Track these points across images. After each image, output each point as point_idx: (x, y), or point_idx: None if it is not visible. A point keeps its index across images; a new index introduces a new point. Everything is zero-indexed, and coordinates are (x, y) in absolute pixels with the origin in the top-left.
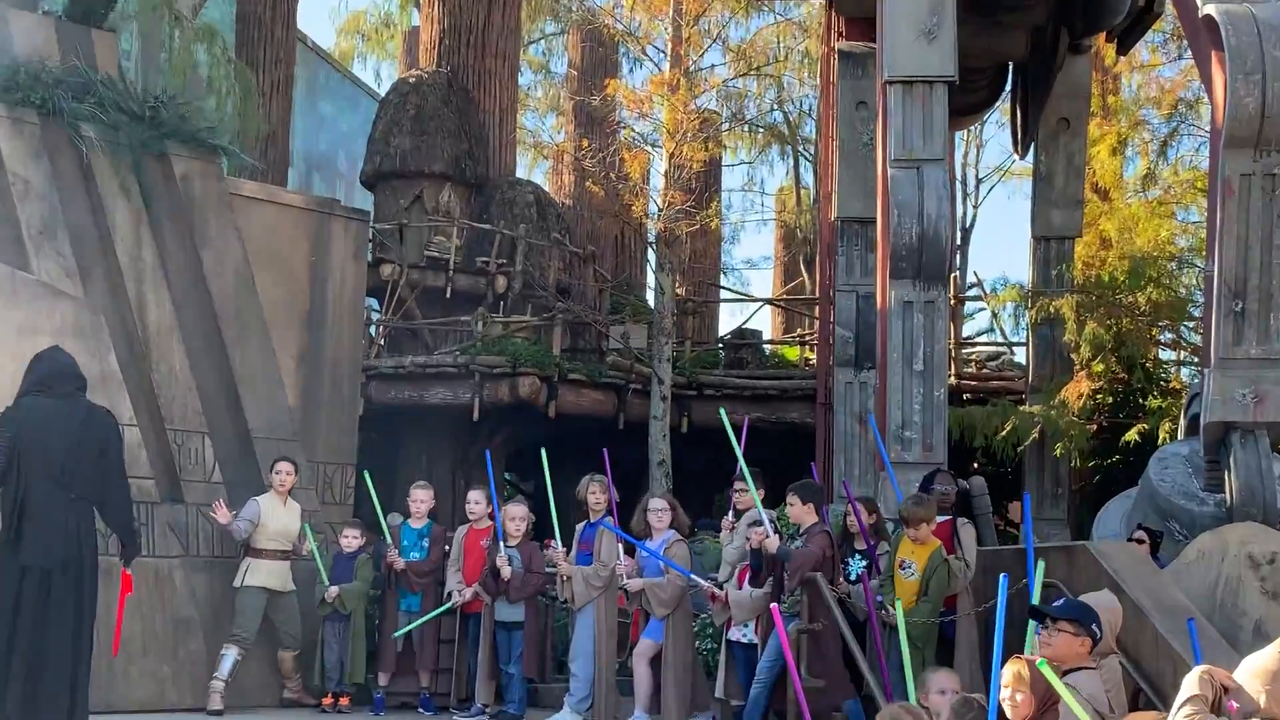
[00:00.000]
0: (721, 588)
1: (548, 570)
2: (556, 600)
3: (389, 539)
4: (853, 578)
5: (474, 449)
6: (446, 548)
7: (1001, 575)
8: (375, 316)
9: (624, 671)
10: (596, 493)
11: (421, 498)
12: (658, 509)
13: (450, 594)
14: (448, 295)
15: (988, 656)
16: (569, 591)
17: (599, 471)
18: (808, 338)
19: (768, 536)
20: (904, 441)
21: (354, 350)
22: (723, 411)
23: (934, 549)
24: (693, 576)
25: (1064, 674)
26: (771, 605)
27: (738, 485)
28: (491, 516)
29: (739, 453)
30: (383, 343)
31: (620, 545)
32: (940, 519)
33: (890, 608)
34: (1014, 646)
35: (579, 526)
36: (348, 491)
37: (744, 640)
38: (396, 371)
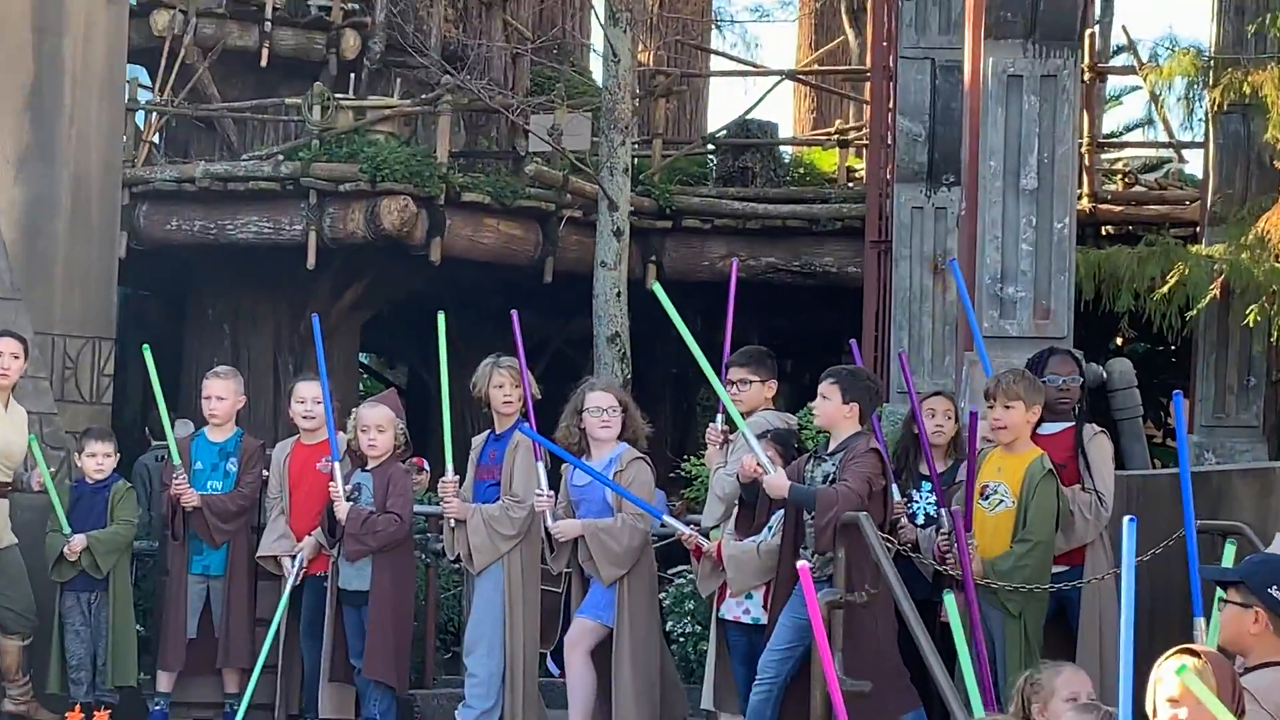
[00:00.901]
0: (708, 536)
1: (424, 509)
2: (440, 558)
3: (176, 458)
4: (920, 519)
5: (308, 313)
6: (265, 472)
7: (1129, 518)
8: (145, 98)
9: (551, 669)
10: (505, 385)
11: (221, 392)
12: (600, 407)
13: (294, 558)
14: (263, 64)
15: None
16: (460, 543)
17: (508, 351)
18: (851, 136)
19: (765, 473)
20: (1004, 303)
21: (109, 154)
22: (657, 286)
23: (1033, 459)
24: (664, 517)
25: (1243, 672)
26: (800, 565)
27: (734, 373)
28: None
29: (686, 335)
30: (158, 141)
31: (543, 467)
32: (1054, 426)
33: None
34: (1172, 631)
35: (477, 440)
36: (103, 383)
37: (745, 619)
38: (181, 189)
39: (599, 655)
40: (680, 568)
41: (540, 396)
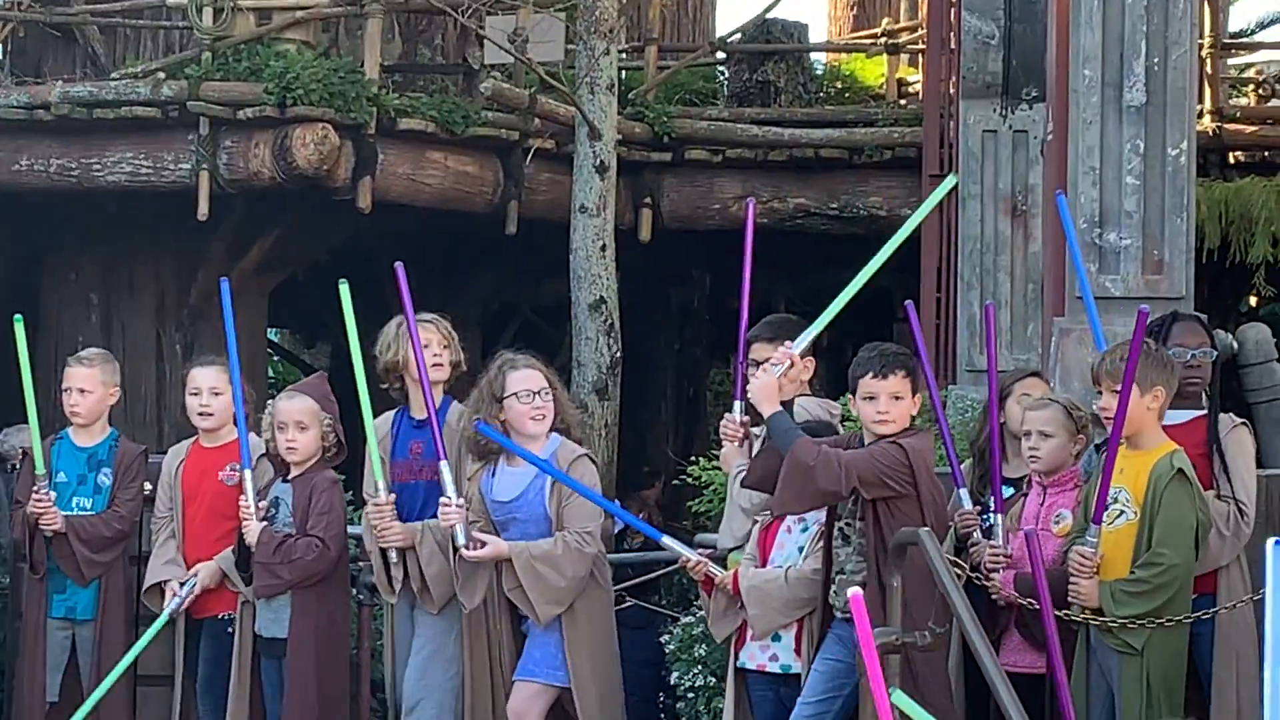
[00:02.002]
0: (725, 563)
1: (356, 529)
2: (373, 594)
3: (39, 465)
4: (998, 535)
5: (201, 277)
6: (148, 486)
7: (1276, 541)
8: None
9: None
10: (431, 343)
11: (86, 383)
12: (531, 390)
13: (178, 586)
14: None
15: None
16: (412, 574)
17: (457, 322)
18: (903, 39)
19: (779, 366)
20: (1103, 254)
21: None
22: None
23: (1161, 456)
24: (664, 539)
25: None
26: (852, 593)
27: (759, 350)
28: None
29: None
30: (1, 57)
31: (448, 465)
32: (1179, 415)
33: (1075, 579)
34: None
35: (379, 426)
36: None
37: (773, 668)
38: (33, 117)
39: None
40: (690, 612)
41: (465, 367)
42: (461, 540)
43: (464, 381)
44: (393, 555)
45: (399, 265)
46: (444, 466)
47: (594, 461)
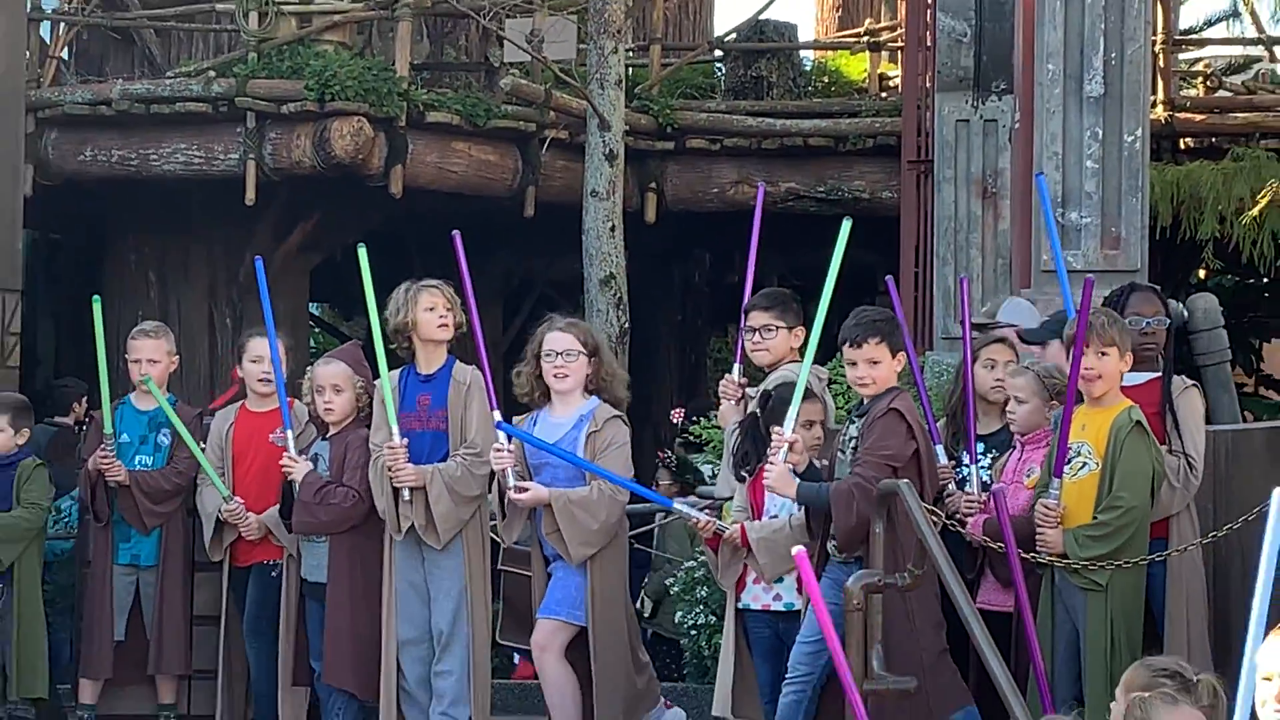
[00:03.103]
0: (724, 511)
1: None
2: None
3: (108, 425)
4: (972, 486)
5: (248, 257)
6: (202, 444)
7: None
8: (51, 6)
9: (506, 671)
10: (437, 306)
11: (152, 353)
12: (555, 350)
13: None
14: None
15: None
16: (417, 513)
17: (480, 296)
18: (884, 38)
19: (781, 450)
20: (1066, 231)
21: (9, 72)
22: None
23: (1120, 411)
24: (675, 504)
25: None
26: (795, 551)
27: (756, 318)
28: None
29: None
30: (67, 57)
31: (499, 414)
32: (1137, 376)
33: (1041, 529)
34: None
35: (389, 381)
36: (9, 342)
37: (777, 606)
38: (96, 113)
39: (576, 653)
40: (692, 559)
41: (465, 328)
42: (511, 483)
43: (462, 342)
44: (405, 493)
45: (456, 234)
46: (496, 415)
47: (626, 424)
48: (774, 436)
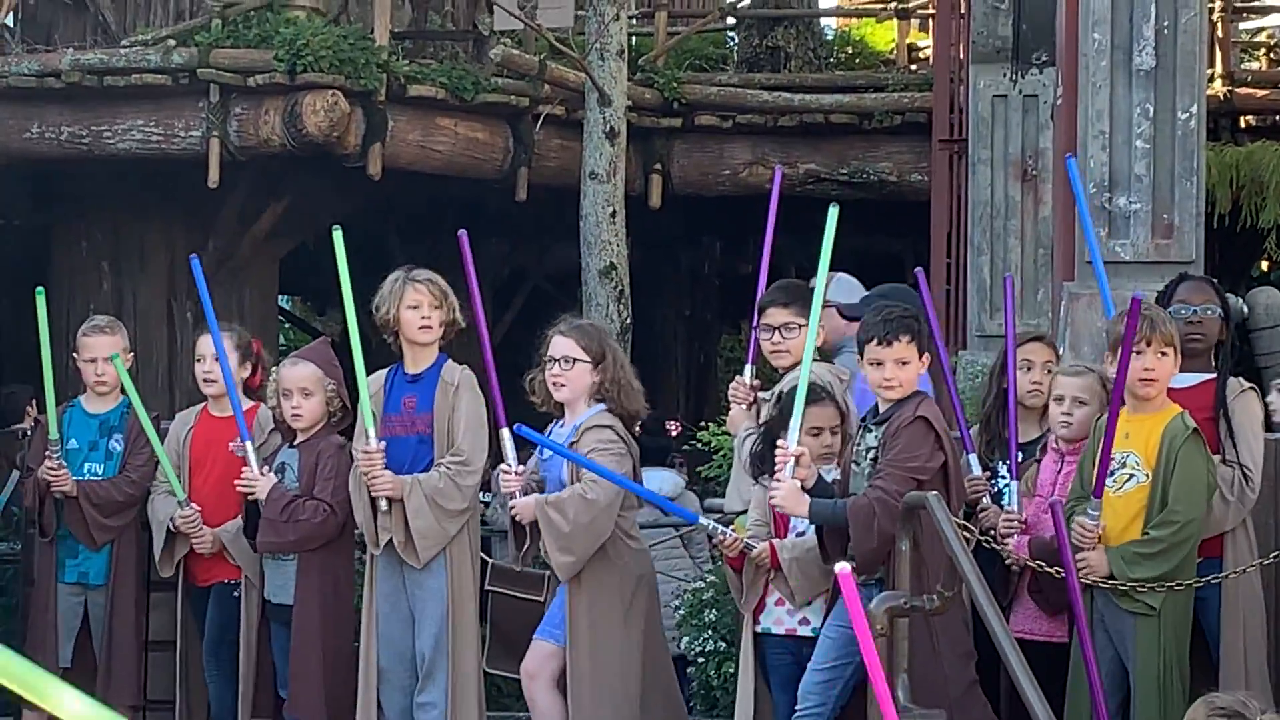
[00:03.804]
0: (730, 525)
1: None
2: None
3: (53, 430)
4: (1007, 500)
5: (211, 244)
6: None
7: None
8: None
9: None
10: (421, 304)
11: (105, 349)
12: (553, 357)
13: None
14: None
15: None
16: (396, 528)
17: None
18: (913, 4)
19: (787, 465)
20: (1113, 219)
21: None
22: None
23: (1171, 417)
24: (700, 519)
25: None
26: (839, 569)
27: (774, 315)
28: (254, 385)
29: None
30: (11, 24)
31: (508, 433)
32: (1187, 378)
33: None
34: None
35: (373, 382)
36: None
37: (803, 631)
38: (44, 85)
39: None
40: (703, 573)
41: (464, 325)
42: (513, 501)
43: (469, 338)
44: (382, 504)
45: (463, 234)
46: (506, 435)
47: (617, 432)
48: (778, 451)
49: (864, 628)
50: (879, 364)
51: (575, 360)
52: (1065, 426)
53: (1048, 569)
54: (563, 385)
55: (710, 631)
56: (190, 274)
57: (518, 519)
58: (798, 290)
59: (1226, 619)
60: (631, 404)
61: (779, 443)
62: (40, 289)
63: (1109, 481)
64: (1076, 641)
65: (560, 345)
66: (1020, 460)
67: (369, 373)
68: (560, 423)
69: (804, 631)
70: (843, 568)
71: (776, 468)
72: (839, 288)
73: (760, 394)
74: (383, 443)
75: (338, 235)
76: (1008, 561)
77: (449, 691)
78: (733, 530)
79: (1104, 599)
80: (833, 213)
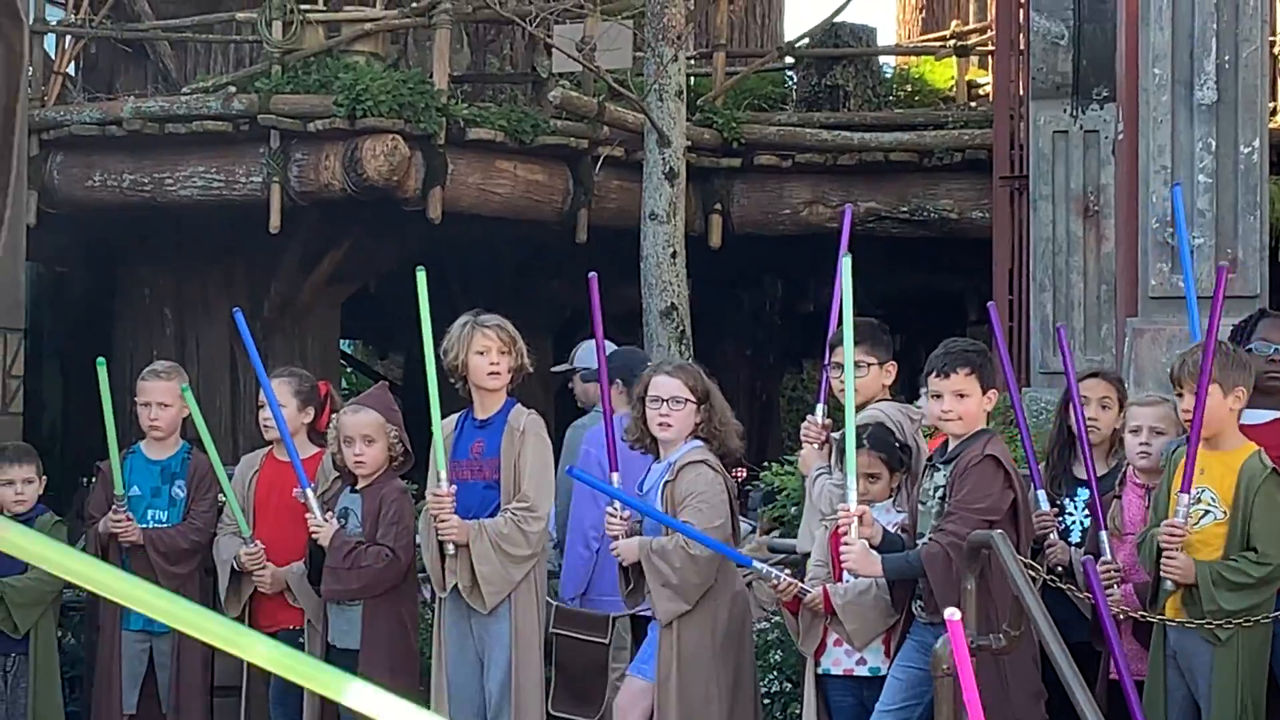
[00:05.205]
0: (801, 574)
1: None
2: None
3: (119, 485)
4: (1075, 537)
5: (274, 291)
6: (221, 497)
7: None
8: (57, 18)
9: None
10: (489, 350)
11: (164, 396)
12: (660, 397)
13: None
14: None
15: None
16: (461, 573)
17: (544, 330)
18: (972, 41)
19: (851, 526)
20: (1174, 252)
21: (8, 87)
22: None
23: (1248, 455)
24: (755, 563)
25: None
26: (949, 614)
27: (839, 353)
28: (317, 430)
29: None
30: (74, 73)
31: (617, 477)
32: (1261, 414)
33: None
34: None
35: (445, 427)
36: (11, 385)
37: (860, 672)
38: (105, 133)
39: None
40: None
41: (532, 370)
42: (616, 543)
43: (530, 383)
44: (449, 548)
45: (593, 276)
46: (616, 478)
47: (715, 469)
48: (840, 513)
49: (969, 675)
50: (938, 396)
51: (685, 401)
52: (1144, 457)
53: (1151, 619)
54: (669, 425)
55: (775, 673)
56: (252, 320)
57: (621, 561)
58: (867, 328)
59: None
60: (732, 442)
61: (840, 507)
62: (102, 360)
63: (1186, 515)
64: (1150, 674)
65: (667, 386)
66: (1085, 498)
67: (442, 415)
68: (651, 464)
69: (861, 671)
70: (953, 614)
71: (842, 530)
72: (587, 354)
73: (832, 434)
74: (453, 486)
75: (421, 276)
76: (1115, 613)
77: None
78: (788, 573)
79: (1177, 634)
80: (845, 264)
